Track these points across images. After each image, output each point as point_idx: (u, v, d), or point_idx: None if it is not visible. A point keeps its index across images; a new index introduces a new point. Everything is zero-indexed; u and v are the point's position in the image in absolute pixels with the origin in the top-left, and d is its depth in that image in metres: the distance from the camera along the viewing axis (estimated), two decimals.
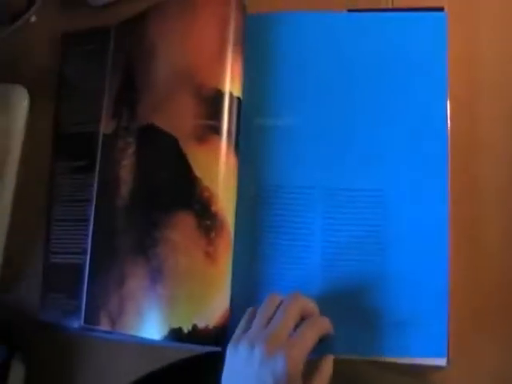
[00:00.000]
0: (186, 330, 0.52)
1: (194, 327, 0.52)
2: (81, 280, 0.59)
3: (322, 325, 0.49)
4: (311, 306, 0.49)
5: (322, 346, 0.48)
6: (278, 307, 0.49)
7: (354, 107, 0.56)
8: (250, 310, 0.51)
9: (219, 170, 0.54)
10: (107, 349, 0.60)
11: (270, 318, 0.48)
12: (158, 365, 0.57)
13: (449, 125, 0.54)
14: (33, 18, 0.69)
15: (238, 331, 0.49)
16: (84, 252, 0.60)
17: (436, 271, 0.52)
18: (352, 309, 0.53)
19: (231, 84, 0.55)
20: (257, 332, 0.47)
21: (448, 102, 0.54)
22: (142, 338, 0.54)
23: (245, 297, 0.53)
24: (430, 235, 0.53)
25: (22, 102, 0.66)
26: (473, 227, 0.55)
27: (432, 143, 0.54)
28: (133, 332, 0.55)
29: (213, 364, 0.49)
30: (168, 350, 0.57)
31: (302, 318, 0.48)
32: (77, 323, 0.58)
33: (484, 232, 0.55)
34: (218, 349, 0.51)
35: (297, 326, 0.47)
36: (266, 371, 0.44)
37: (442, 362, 0.51)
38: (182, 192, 0.55)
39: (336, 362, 0.49)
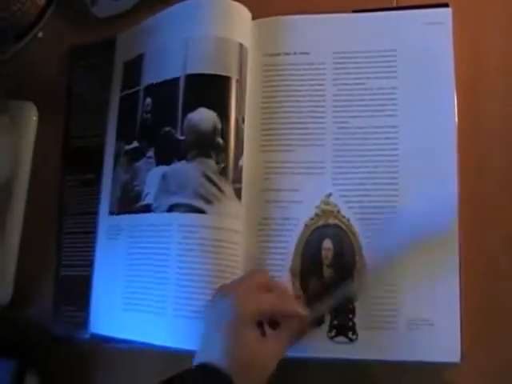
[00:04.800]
0: None
1: None
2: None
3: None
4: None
5: None
6: None
7: None
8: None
9: None
10: (120, 360, 0.59)
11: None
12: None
13: (456, 121, 0.53)
14: (40, 34, 0.70)
15: None
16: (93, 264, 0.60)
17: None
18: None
19: None
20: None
21: (455, 97, 0.53)
22: (154, 345, 0.54)
23: None
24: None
25: (31, 117, 0.67)
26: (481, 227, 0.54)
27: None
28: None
29: None
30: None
31: None
32: (87, 335, 0.58)
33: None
34: None
35: None
36: (219, 312, 0.46)
37: (455, 359, 0.50)
38: None
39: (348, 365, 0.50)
